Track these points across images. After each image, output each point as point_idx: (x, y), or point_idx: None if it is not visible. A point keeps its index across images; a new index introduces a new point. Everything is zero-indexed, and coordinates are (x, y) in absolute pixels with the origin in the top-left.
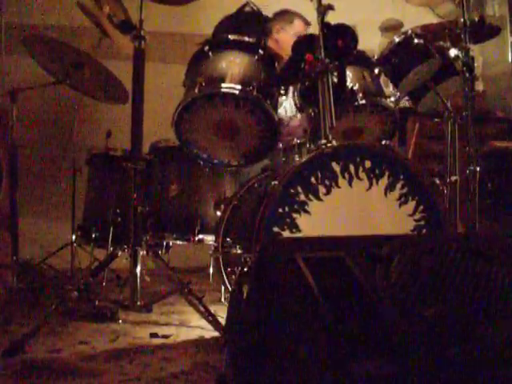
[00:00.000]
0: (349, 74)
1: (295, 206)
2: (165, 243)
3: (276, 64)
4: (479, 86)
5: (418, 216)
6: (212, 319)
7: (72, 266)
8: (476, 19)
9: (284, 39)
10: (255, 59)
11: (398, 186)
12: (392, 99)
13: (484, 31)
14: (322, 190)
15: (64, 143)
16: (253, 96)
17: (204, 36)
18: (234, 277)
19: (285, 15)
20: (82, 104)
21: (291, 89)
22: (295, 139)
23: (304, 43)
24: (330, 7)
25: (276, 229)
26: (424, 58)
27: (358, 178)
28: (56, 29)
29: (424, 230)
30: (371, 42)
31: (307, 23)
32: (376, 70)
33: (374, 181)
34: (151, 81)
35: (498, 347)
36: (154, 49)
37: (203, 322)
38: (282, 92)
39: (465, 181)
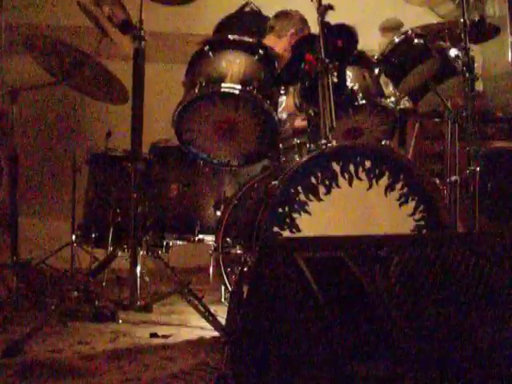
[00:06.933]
0: (349, 74)
1: (295, 206)
2: (165, 243)
3: (276, 64)
4: (479, 86)
5: (417, 216)
6: (212, 319)
7: (72, 266)
8: (476, 19)
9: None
10: (255, 59)
11: (398, 186)
12: (392, 99)
13: (484, 31)
14: (322, 189)
15: (64, 143)
16: (253, 96)
17: (204, 36)
18: (233, 277)
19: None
20: (82, 104)
21: (291, 89)
22: (295, 139)
23: (304, 43)
24: (330, 7)
25: (276, 229)
26: (424, 58)
27: (358, 178)
28: (56, 29)
29: (424, 230)
30: (371, 42)
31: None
32: (376, 70)
33: (374, 181)
34: (151, 81)
35: (498, 347)
36: (154, 49)
37: (203, 322)
38: (282, 92)
39: (465, 181)
